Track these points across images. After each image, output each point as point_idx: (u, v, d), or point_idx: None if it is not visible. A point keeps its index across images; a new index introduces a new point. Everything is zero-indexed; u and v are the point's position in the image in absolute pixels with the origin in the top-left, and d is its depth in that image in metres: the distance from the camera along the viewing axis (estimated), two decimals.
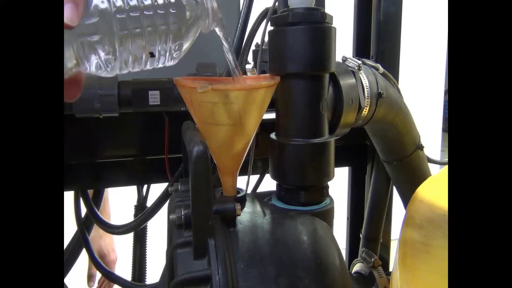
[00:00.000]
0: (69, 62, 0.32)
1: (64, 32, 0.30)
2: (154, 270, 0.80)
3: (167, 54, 0.37)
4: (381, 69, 0.64)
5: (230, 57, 0.43)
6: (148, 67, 0.38)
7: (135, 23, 0.33)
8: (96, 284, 1.07)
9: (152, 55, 0.36)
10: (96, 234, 1.05)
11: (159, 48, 0.36)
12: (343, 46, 0.65)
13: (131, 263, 0.86)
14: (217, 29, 0.41)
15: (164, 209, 0.60)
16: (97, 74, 0.36)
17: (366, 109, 0.58)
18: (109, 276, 0.78)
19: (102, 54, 0.33)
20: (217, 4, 0.39)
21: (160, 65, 0.39)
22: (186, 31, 0.37)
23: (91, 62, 0.34)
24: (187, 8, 0.37)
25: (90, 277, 1.05)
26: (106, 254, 1.06)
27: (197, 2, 0.38)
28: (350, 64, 0.58)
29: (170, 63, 0.39)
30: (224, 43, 0.42)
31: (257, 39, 0.58)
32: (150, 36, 0.35)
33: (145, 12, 0.34)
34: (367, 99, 0.58)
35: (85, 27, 0.32)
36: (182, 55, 0.39)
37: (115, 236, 1.09)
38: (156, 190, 0.68)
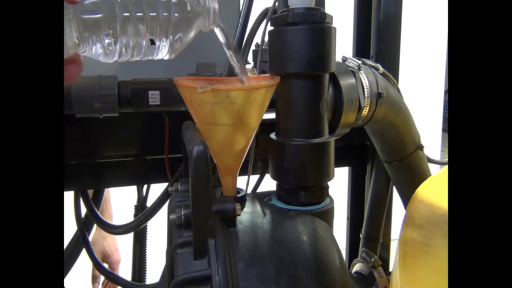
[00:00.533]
0: (69, 40, 0.32)
1: (66, 7, 0.30)
2: (154, 270, 0.80)
3: (167, 45, 0.37)
4: (381, 69, 0.64)
5: (232, 60, 0.43)
6: (148, 57, 0.38)
7: (137, 7, 0.34)
8: (100, 286, 1.07)
9: (152, 42, 0.36)
10: (99, 235, 1.05)
11: (160, 37, 0.36)
12: (343, 46, 0.65)
13: (131, 263, 0.86)
14: (218, 32, 0.41)
15: (164, 209, 0.60)
16: (96, 59, 0.36)
17: (366, 109, 0.58)
18: (110, 276, 0.78)
19: (102, 35, 0.33)
20: (217, 4, 0.39)
21: (160, 57, 0.39)
22: (187, 23, 0.37)
23: (91, 44, 0.34)
24: (188, 0, 0.37)
25: (95, 278, 1.05)
26: (110, 255, 1.06)
27: (198, 1, 0.38)
28: (350, 64, 0.58)
29: (169, 56, 0.39)
30: (225, 46, 0.42)
31: (257, 39, 0.58)
32: (152, 23, 0.35)
33: None
34: (367, 99, 0.58)
35: (87, 5, 0.32)
36: (181, 48, 0.39)
37: (118, 237, 1.09)
38: (156, 190, 0.68)
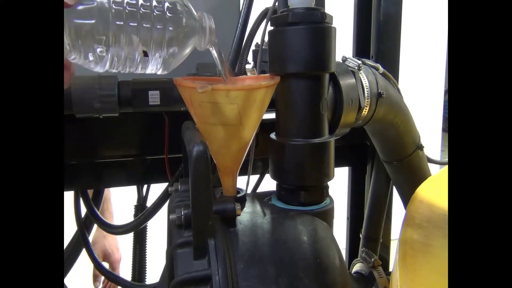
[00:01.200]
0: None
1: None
2: (154, 270, 0.80)
3: (160, 59, 0.37)
4: (381, 69, 0.64)
5: (223, 77, 0.43)
6: (139, 69, 0.38)
7: (131, 17, 0.34)
8: (101, 285, 1.08)
9: (145, 54, 0.36)
10: (100, 234, 1.05)
11: (153, 49, 0.36)
12: (343, 46, 0.65)
13: (131, 263, 0.86)
14: (213, 51, 0.41)
15: (164, 209, 0.60)
16: (86, 67, 0.36)
17: (366, 109, 0.58)
18: (110, 276, 0.78)
19: (94, 42, 0.33)
20: (217, 4, 0.39)
21: (152, 70, 0.39)
22: (182, 39, 0.37)
23: (82, 50, 0.33)
24: (184, 16, 0.37)
25: (96, 277, 1.06)
26: (111, 254, 1.07)
27: (195, 19, 0.38)
28: (350, 64, 0.58)
29: (161, 71, 0.39)
30: (218, 66, 0.42)
31: (257, 39, 0.58)
32: (146, 34, 0.35)
33: (141, 9, 0.34)
34: (367, 99, 0.58)
35: (80, 10, 0.32)
36: (175, 65, 0.39)
37: (118, 236, 1.09)
38: (156, 190, 0.68)
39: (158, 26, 0.35)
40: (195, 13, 0.38)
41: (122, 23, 0.33)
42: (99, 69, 0.36)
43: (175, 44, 0.37)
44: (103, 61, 0.35)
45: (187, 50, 0.39)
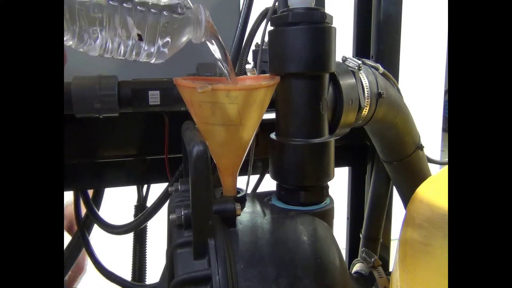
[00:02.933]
0: None
1: None
2: (154, 270, 0.80)
3: (155, 47, 0.37)
4: (381, 69, 0.64)
5: (225, 71, 0.43)
6: (133, 56, 0.37)
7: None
8: None
9: (140, 38, 0.35)
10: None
11: (147, 34, 0.36)
12: (343, 46, 0.65)
13: (131, 263, 0.86)
14: (211, 46, 0.41)
15: (164, 209, 0.60)
16: (77, 48, 0.35)
17: (366, 109, 0.58)
18: (110, 276, 0.78)
19: (88, 22, 0.33)
20: (217, 4, 0.39)
21: (146, 58, 0.38)
22: (176, 28, 0.37)
23: (76, 30, 0.33)
24: (179, 3, 0.37)
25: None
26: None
27: (190, 9, 0.38)
28: (350, 64, 0.58)
29: (155, 59, 0.39)
30: (217, 57, 0.42)
31: (257, 39, 0.58)
32: (140, 18, 0.34)
33: None
34: (367, 99, 0.58)
35: None
36: (168, 55, 0.39)
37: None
38: (156, 190, 0.68)
39: (152, 10, 0.35)
40: (191, 5, 0.38)
41: (116, 3, 0.33)
42: (92, 53, 0.36)
43: (169, 31, 0.37)
44: (97, 43, 0.35)
45: (182, 41, 0.38)
